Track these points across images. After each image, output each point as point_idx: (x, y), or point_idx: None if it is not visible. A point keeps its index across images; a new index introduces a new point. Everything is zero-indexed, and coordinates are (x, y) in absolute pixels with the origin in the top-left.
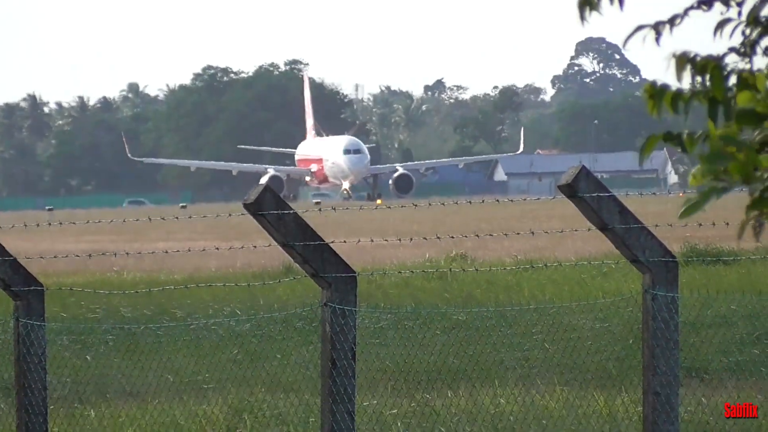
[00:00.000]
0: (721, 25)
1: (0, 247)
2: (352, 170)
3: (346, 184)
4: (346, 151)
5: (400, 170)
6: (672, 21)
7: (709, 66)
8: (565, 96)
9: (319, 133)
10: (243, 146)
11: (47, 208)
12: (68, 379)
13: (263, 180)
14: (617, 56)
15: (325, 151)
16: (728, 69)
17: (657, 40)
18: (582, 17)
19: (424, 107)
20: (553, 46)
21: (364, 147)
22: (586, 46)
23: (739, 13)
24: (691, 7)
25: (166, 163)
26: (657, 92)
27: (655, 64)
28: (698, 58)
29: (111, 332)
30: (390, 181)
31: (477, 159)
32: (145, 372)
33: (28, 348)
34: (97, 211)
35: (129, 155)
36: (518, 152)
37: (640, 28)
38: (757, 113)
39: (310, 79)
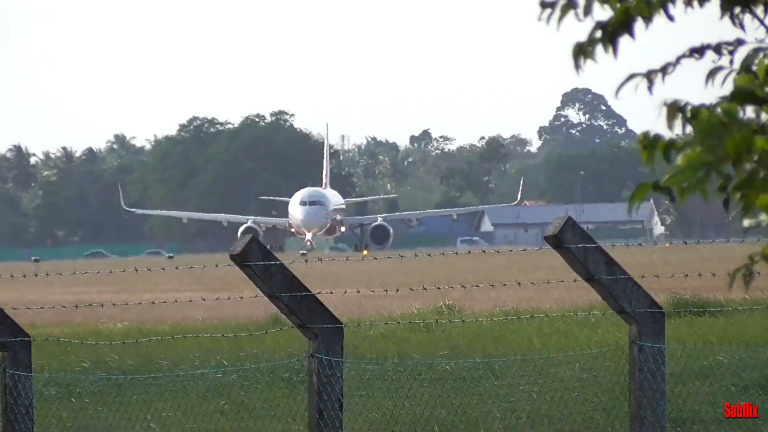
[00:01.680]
0: (712, 74)
1: None
2: (305, 222)
3: (309, 236)
4: (302, 203)
5: (379, 221)
6: (664, 70)
7: (701, 114)
8: (551, 147)
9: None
10: (264, 197)
11: (33, 258)
12: (55, 430)
13: (239, 232)
14: (603, 107)
15: (292, 202)
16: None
17: (650, 88)
18: (577, 66)
19: (410, 158)
20: (539, 97)
21: (326, 198)
22: (572, 97)
23: (731, 62)
24: (683, 56)
25: (156, 214)
26: (651, 142)
27: (641, 115)
28: (689, 107)
29: (98, 383)
30: (368, 232)
31: (468, 210)
32: (132, 423)
33: (15, 399)
34: (83, 262)
35: (123, 206)
36: (514, 203)
37: (632, 76)
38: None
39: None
